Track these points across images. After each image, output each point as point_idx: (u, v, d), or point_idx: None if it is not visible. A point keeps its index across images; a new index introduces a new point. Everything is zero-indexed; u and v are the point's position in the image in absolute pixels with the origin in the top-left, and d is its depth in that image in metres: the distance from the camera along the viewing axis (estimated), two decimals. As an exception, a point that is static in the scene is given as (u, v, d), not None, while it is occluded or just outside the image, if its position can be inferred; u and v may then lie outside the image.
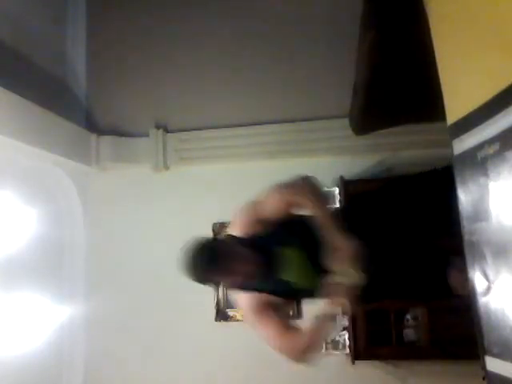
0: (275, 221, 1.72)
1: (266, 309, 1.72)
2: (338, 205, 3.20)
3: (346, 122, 3.17)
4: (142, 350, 3.38)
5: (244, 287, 1.73)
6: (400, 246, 1.79)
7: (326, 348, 3.14)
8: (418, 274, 1.78)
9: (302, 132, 3.39)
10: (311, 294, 1.76)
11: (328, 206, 1.76)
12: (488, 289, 0.97)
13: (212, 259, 1.61)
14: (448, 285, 1.70)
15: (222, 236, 1.81)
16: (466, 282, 1.06)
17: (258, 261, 1.67)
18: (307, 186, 1.75)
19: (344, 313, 1.67)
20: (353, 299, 1.59)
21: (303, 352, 1.71)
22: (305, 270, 1.72)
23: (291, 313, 3.08)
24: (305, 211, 1.73)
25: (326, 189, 3.23)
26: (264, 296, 1.73)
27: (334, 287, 1.60)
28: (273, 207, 1.73)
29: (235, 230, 1.76)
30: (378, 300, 1.99)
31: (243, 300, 1.78)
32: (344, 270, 1.58)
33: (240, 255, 1.65)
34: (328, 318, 1.67)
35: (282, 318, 1.75)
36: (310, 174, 1.81)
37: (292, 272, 1.72)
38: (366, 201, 1.96)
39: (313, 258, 1.70)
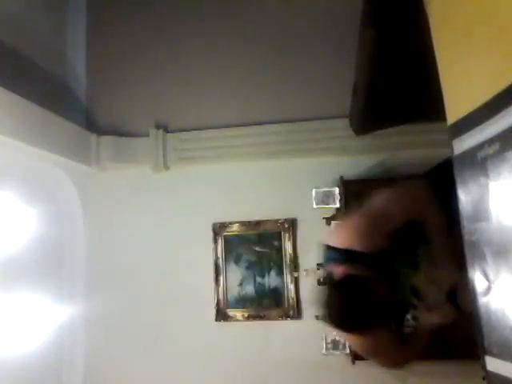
0: (391, 231, 1.51)
1: (386, 342, 1.65)
2: (337, 205, 3.20)
3: (346, 122, 3.17)
4: (141, 350, 3.38)
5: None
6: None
7: (326, 348, 3.14)
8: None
9: (302, 132, 3.39)
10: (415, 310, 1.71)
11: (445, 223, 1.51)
12: (488, 289, 0.97)
13: (362, 316, 1.47)
14: (457, 303, 1.67)
15: (351, 256, 1.50)
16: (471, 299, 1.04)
17: (388, 292, 1.51)
18: (427, 195, 1.55)
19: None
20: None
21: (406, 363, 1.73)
22: (411, 285, 1.62)
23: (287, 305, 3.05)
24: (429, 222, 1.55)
25: (314, 189, 3.23)
26: (385, 328, 1.63)
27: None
28: (397, 219, 1.52)
29: (354, 243, 1.52)
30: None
31: (366, 342, 1.64)
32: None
33: (380, 299, 1.48)
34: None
35: (396, 343, 1.68)
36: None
37: (406, 290, 1.61)
38: None
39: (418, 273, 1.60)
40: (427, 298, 1.57)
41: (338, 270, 1.53)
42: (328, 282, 1.57)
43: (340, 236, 1.59)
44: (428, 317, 1.60)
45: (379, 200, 1.57)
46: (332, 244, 1.58)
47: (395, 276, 1.53)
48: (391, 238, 1.50)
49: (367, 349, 1.68)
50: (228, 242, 3.42)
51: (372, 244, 1.48)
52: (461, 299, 1.61)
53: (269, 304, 3.32)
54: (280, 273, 3.33)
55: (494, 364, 0.96)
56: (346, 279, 1.49)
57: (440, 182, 1.63)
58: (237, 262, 3.39)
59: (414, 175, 2.02)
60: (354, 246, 1.50)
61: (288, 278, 3.30)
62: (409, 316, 3.05)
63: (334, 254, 1.56)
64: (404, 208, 1.53)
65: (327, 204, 3.23)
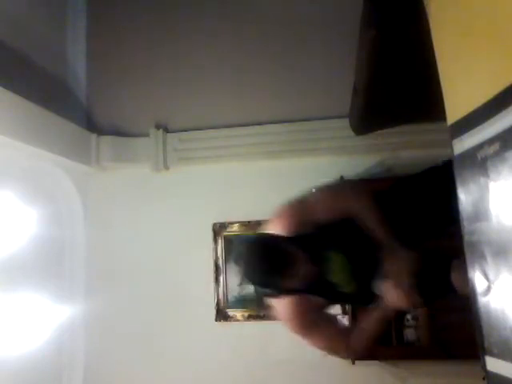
0: (320, 222, 1.69)
1: (313, 313, 1.72)
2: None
3: (346, 122, 3.17)
4: (141, 350, 3.38)
5: (295, 290, 1.68)
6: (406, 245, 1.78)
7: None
8: (422, 274, 1.77)
9: (302, 132, 3.39)
10: (346, 299, 1.79)
11: (380, 216, 1.67)
12: (488, 289, 0.97)
13: (280, 263, 1.56)
14: (451, 285, 1.70)
15: (279, 235, 1.69)
16: (468, 282, 1.06)
17: (311, 264, 1.64)
18: (359, 194, 1.72)
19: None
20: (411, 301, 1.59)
21: (354, 350, 1.73)
22: (348, 274, 1.70)
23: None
24: (355, 218, 1.68)
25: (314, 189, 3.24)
26: (309, 298, 1.70)
27: (391, 292, 1.58)
28: (324, 211, 1.69)
29: (280, 229, 1.71)
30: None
31: (289, 306, 1.72)
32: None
33: (302, 259, 1.61)
34: (383, 319, 1.68)
35: (330, 318, 1.76)
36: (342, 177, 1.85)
37: (338, 275, 1.69)
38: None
39: (354, 262, 1.68)
40: (385, 283, 1.61)
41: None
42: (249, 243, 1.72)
43: (272, 221, 1.78)
44: (391, 296, 1.63)
45: (312, 195, 1.82)
46: (267, 230, 1.77)
47: (324, 260, 1.66)
48: (317, 226, 1.66)
49: (289, 318, 1.78)
50: (228, 241, 3.42)
51: (291, 227, 1.67)
52: (455, 282, 1.66)
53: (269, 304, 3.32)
54: (280, 273, 3.32)
55: (494, 364, 0.96)
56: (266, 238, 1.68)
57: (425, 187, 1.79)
58: (237, 262, 3.39)
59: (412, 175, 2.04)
60: (280, 230, 1.70)
61: (288, 278, 3.30)
62: (409, 316, 3.07)
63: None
64: (330, 202, 1.72)
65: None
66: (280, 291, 1.66)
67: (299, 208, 1.74)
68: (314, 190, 1.83)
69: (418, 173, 1.93)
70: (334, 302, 1.82)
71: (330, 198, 1.75)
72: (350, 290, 1.73)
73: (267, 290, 1.77)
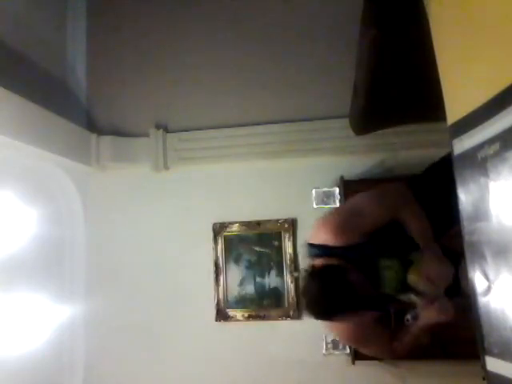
0: (370, 230, 1.60)
1: (368, 331, 1.68)
2: (337, 205, 3.20)
3: (346, 121, 3.17)
4: (141, 350, 3.38)
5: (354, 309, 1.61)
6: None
7: (327, 348, 3.14)
8: None
9: (302, 132, 3.39)
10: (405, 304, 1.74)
11: (427, 224, 1.61)
12: (488, 289, 0.97)
13: (351, 298, 1.50)
14: (459, 284, 1.69)
15: (327, 251, 1.59)
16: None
17: (368, 284, 1.58)
18: (410, 199, 1.64)
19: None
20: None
21: (399, 355, 1.74)
22: (401, 281, 1.66)
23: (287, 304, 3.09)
24: (407, 223, 1.62)
25: (314, 189, 3.25)
26: (365, 317, 1.65)
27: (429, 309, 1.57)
28: (374, 218, 1.60)
29: (330, 239, 1.60)
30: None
31: (346, 327, 1.68)
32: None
33: (360, 285, 1.54)
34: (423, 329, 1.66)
35: (383, 332, 1.72)
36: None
37: (392, 284, 1.65)
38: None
39: (404, 267, 1.63)
40: (424, 294, 1.59)
41: (315, 263, 1.62)
42: (306, 273, 1.63)
43: (317, 232, 1.66)
44: (425, 314, 1.61)
45: (355, 199, 1.70)
46: (311, 241, 1.66)
47: (377, 270, 1.59)
48: (366, 234, 1.57)
49: (350, 338, 1.74)
50: (228, 241, 3.42)
51: (345, 239, 1.56)
52: (463, 283, 1.63)
53: (269, 304, 3.32)
54: (280, 273, 3.33)
55: (494, 364, 0.96)
56: (322, 269, 1.57)
57: (428, 184, 1.74)
58: (237, 261, 3.39)
59: (411, 175, 2.03)
60: (328, 240, 1.59)
61: (288, 278, 3.30)
62: (409, 316, 3.06)
63: (313, 249, 1.64)
64: (379, 207, 1.62)
65: (327, 204, 3.23)
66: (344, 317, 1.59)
67: (345, 216, 1.65)
68: (357, 196, 1.71)
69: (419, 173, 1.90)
70: (386, 311, 1.78)
71: (376, 202, 1.65)
72: (404, 298, 1.69)
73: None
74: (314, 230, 1.69)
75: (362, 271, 1.56)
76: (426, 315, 1.60)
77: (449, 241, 1.71)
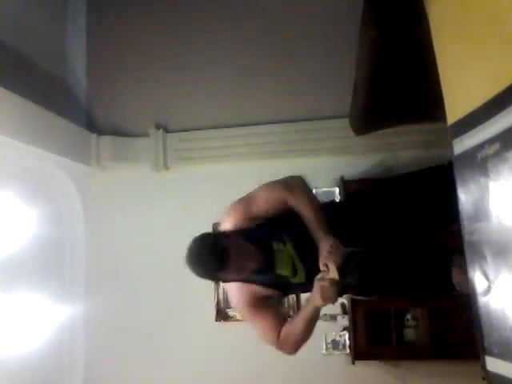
0: (266, 217, 1.77)
1: (259, 301, 1.76)
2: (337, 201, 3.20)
3: (346, 121, 3.16)
4: (141, 350, 3.38)
5: (244, 280, 1.75)
6: (400, 242, 1.80)
7: (327, 348, 3.14)
8: (420, 271, 1.78)
9: (301, 132, 3.39)
10: (304, 288, 1.80)
11: (316, 205, 1.76)
12: (488, 289, 0.97)
13: (224, 258, 1.61)
14: (451, 282, 1.70)
15: (224, 231, 1.79)
16: (468, 279, 1.06)
17: (260, 256, 1.70)
18: (298, 185, 1.82)
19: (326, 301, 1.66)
20: (335, 294, 1.61)
21: (295, 346, 1.75)
22: (296, 265, 1.75)
23: (286, 305, 3.11)
24: (295, 209, 1.76)
25: (314, 188, 3.26)
26: (258, 288, 1.76)
27: (321, 283, 1.61)
28: (264, 204, 1.79)
29: (228, 226, 1.79)
30: (379, 294, 1.98)
31: (237, 293, 1.81)
32: (330, 269, 1.60)
33: (248, 252, 1.67)
34: (317, 311, 1.70)
35: (276, 310, 1.81)
36: (299, 174, 1.90)
37: (286, 267, 1.75)
38: (364, 197, 1.96)
39: (303, 253, 1.74)
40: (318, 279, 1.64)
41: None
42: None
43: (221, 220, 1.86)
44: (312, 296, 1.66)
45: (254, 190, 1.88)
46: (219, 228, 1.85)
47: (273, 252, 1.73)
48: (258, 219, 1.75)
49: (235, 301, 1.87)
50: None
51: (237, 222, 1.75)
52: (455, 279, 1.67)
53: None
54: (280, 273, 3.32)
55: (494, 364, 0.96)
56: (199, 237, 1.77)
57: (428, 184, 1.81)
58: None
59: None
60: (226, 226, 1.78)
61: (288, 277, 3.30)
62: (409, 316, 3.07)
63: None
64: (266, 196, 1.82)
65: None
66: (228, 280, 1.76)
67: (244, 204, 1.82)
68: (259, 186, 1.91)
69: (414, 171, 1.95)
70: (285, 293, 1.90)
71: (268, 191, 1.85)
72: (298, 281, 1.76)
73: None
74: (222, 217, 1.88)
75: (258, 248, 1.70)
76: (312, 296, 1.65)
77: (440, 238, 1.78)
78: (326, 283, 1.58)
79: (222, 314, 3.36)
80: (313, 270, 1.69)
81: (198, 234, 1.80)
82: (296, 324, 1.72)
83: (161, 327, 3.38)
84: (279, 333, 1.73)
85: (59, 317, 3.16)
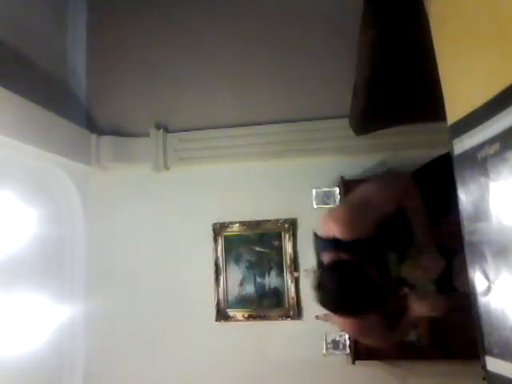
0: (379, 222, 1.56)
1: (374, 325, 1.68)
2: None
3: (346, 122, 3.17)
4: (141, 350, 3.38)
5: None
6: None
7: (327, 348, 3.14)
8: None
9: (302, 132, 3.39)
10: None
11: (427, 220, 1.61)
12: (488, 289, 0.97)
13: (375, 295, 1.50)
14: (452, 282, 1.70)
15: (338, 245, 1.55)
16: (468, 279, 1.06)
17: (378, 279, 1.55)
18: (411, 185, 1.63)
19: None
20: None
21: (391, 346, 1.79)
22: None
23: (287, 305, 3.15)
24: (407, 210, 1.60)
25: (314, 188, 3.25)
26: (374, 319, 1.65)
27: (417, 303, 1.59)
28: (382, 209, 1.57)
29: (341, 232, 1.55)
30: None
31: (353, 322, 1.66)
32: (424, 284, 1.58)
33: (380, 284, 1.53)
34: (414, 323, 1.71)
35: (385, 327, 1.71)
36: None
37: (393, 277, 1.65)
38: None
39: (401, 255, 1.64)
40: (417, 287, 1.61)
41: (324, 257, 1.59)
42: (318, 267, 1.61)
43: (326, 225, 1.62)
44: (417, 306, 1.63)
45: (362, 190, 1.64)
46: (320, 233, 1.63)
47: (385, 263, 1.57)
48: (376, 226, 1.54)
49: (357, 331, 1.73)
50: (228, 241, 3.42)
51: (354, 232, 1.52)
52: (457, 281, 1.65)
53: (269, 304, 3.32)
54: (280, 273, 3.32)
55: (494, 364, 0.96)
56: (339, 263, 1.54)
57: (428, 178, 1.73)
58: (237, 262, 3.39)
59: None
60: (337, 234, 1.55)
61: (288, 278, 3.30)
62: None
63: (322, 242, 1.61)
64: (385, 196, 1.58)
65: (327, 204, 3.23)
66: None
67: (355, 209, 1.60)
68: (362, 187, 1.66)
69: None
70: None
71: (384, 193, 1.61)
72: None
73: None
74: (322, 223, 1.65)
75: (373, 264, 1.53)
76: (418, 309, 1.62)
77: (443, 238, 1.72)
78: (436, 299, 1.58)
79: (222, 314, 3.36)
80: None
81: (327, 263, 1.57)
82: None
83: (161, 327, 3.38)
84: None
85: (59, 317, 3.16)
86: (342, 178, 3.21)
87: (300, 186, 3.33)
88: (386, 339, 1.75)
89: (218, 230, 3.43)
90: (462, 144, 1.06)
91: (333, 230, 1.57)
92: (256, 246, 3.39)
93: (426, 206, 1.65)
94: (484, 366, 1.00)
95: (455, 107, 1.12)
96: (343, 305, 1.53)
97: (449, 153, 1.14)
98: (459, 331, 2.52)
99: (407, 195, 1.58)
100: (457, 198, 1.09)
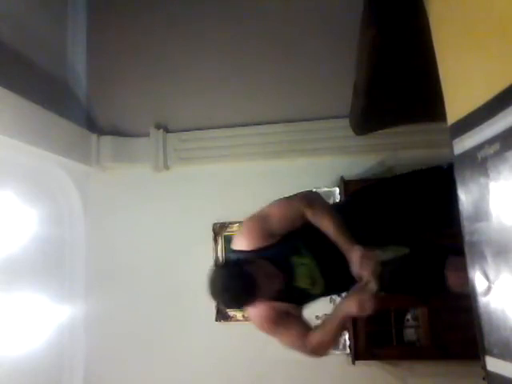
0: (282, 233, 1.72)
1: (281, 315, 1.76)
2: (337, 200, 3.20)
3: (346, 121, 3.17)
4: (141, 350, 3.38)
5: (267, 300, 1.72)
6: (399, 241, 1.79)
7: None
8: (417, 270, 1.79)
9: (302, 132, 3.39)
10: (320, 297, 1.82)
11: (337, 218, 1.71)
12: (488, 289, 0.97)
13: (254, 288, 1.56)
14: (445, 283, 1.71)
15: (243, 255, 1.71)
16: (462, 280, 1.06)
17: (281, 274, 1.67)
18: (317, 200, 1.78)
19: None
20: (372, 306, 1.60)
21: (327, 350, 1.77)
22: (315, 277, 1.74)
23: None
24: (315, 224, 1.72)
25: (314, 188, 3.26)
26: (276, 304, 1.74)
27: (360, 296, 1.60)
28: (282, 220, 1.72)
29: (244, 245, 1.73)
30: (389, 291, 1.98)
31: (258, 314, 1.78)
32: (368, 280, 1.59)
33: (272, 275, 1.64)
34: (349, 318, 1.71)
35: (299, 323, 1.79)
36: (313, 189, 1.91)
37: (305, 279, 1.73)
38: (365, 197, 1.95)
39: (321, 263, 1.72)
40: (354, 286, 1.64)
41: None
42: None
43: (236, 239, 1.80)
44: (346, 304, 1.66)
45: (266, 206, 1.80)
46: (232, 247, 1.78)
47: (292, 267, 1.70)
48: (277, 236, 1.70)
49: (259, 324, 1.83)
50: (228, 241, 3.41)
51: (256, 242, 1.69)
52: (449, 279, 1.70)
53: (269, 304, 3.32)
54: (280, 273, 3.32)
55: (494, 364, 0.96)
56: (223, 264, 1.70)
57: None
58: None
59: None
60: (244, 246, 1.71)
61: (288, 277, 3.30)
62: (409, 316, 3.07)
63: (234, 255, 1.75)
64: (281, 213, 1.74)
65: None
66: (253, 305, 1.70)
67: (259, 222, 1.75)
68: (271, 202, 1.83)
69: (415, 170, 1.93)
70: (302, 304, 1.85)
71: (285, 208, 1.77)
72: (316, 292, 1.77)
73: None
74: (234, 237, 1.82)
75: (279, 267, 1.67)
76: (346, 305, 1.65)
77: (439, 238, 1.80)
78: (366, 296, 1.57)
79: (221, 314, 3.36)
80: (332, 279, 1.72)
81: (218, 262, 1.76)
82: (328, 330, 1.71)
83: (161, 327, 3.38)
84: (307, 339, 1.73)
85: (59, 317, 3.16)
86: (342, 177, 3.21)
87: (300, 186, 3.31)
88: (302, 338, 1.76)
89: (218, 229, 3.43)
90: (462, 144, 1.06)
91: (239, 243, 1.75)
92: (256, 245, 3.38)
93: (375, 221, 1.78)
94: (484, 366, 1.00)
95: (455, 107, 1.12)
96: (227, 298, 1.63)
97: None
98: (459, 331, 2.53)
99: (305, 213, 1.72)
100: (457, 211, 1.09)
